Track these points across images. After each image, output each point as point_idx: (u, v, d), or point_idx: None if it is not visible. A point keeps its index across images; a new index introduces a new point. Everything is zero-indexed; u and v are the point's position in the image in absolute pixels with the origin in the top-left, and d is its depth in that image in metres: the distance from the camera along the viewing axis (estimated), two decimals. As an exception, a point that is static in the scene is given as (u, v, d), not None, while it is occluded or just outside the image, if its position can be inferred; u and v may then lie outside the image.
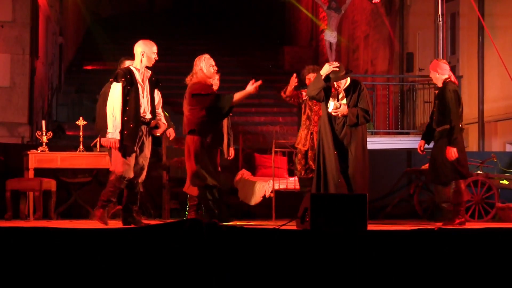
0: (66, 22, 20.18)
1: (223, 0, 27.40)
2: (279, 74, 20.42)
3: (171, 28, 24.10)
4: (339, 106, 8.70)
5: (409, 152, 12.18)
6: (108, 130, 8.04)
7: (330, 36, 16.60)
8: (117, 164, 8.09)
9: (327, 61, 16.72)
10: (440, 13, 11.25)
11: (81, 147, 10.14)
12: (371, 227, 7.41)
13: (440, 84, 8.99)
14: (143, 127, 8.15)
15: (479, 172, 10.71)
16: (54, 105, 18.11)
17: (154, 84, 8.30)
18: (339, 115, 8.72)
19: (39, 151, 10.07)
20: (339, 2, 16.73)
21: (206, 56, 9.06)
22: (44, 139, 10.18)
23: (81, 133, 10.20)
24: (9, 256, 5.40)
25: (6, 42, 14.67)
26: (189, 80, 9.00)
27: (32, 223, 9.22)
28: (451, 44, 14.91)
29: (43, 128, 10.31)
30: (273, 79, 18.90)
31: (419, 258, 5.69)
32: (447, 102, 8.83)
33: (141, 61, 8.18)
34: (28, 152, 10.04)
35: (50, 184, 10.07)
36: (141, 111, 8.11)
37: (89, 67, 20.43)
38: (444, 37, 12.16)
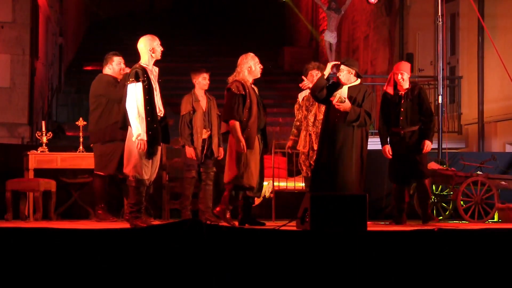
0: (66, 23, 20.18)
1: (223, 0, 27.40)
2: (279, 74, 20.42)
3: (171, 29, 24.10)
4: (343, 100, 8.68)
5: (409, 152, 12.18)
6: (137, 132, 7.72)
7: (330, 37, 16.60)
8: (136, 167, 7.85)
9: (327, 61, 16.77)
10: (440, 13, 11.23)
11: (81, 147, 10.14)
12: (371, 227, 7.41)
13: (407, 86, 9.34)
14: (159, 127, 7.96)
15: (479, 172, 10.71)
16: (54, 106, 18.11)
17: (158, 80, 8.13)
18: (341, 109, 8.68)
19: (39, 152, 10.07)
20: (339, 2, 16.74)
21: (252, 54, 8.90)
22: (44, 139, 10.18)
23: (81, 134, 10.20)
24: (9, 256, 5.40)
25: (6, 42, 14.67)
26: (233, 77, 8.87)
27: (32, 224, 9.22)
28: (451, 45, 14.91)
29: (43, 129, 10.31)
30: (273, 80, 18.90)
31: (419, 258, 5.70)
32: (425, 101, 9.33)
33: (151, 57, 7.96)
34: (28, 153, 10.04)
35: (50, 184, 10.07)
36: (157, 110, 7.92)
37: (89, 68, 20.42)
38: (444, 38, 12.12)
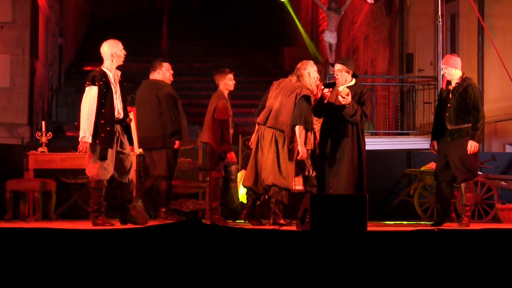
0: (66, 23, 20.18)
1: (223, 0, 27.40)
2: (278, 74, 20.39)
3: (171, 29, 24.10)
4: (347, 94, 8.60)
5: (409, 152, 12.19)
6: (82, 134, 8.04)
7: (330, 37, 16.61)
8: (93, 169, 8.12)
9: (327, 62, 16.77)
10: (440, 14, 11.24)
11: (81, 147, 10.13)
12: (371, 227, 7.41)
13: (457, 80, 8.83)
14: (118, 127, 8.20)
15: (479, 172, 10.71)
16: (54, 106, 18.12)
17: (122, 84, 8.34)
18: (342, 102, 8.62)
19: (39, 152, 10.07)
20: (339, 3, 16.74)
21: (312, 62, 9.10)
22: (44, 139, 10.18)
23: (81, 134, 10.19)
24: (9, 257, 5.40)
25: (6, 43, 14.68)
26: (296, 80, 9.00)
27: (32, 224, 9.21)
28: (451, 45, 14.91)
29: (43, 129, 10.31)
30: (273, 80, 18.86)
31: (419, 259, 5.69)
32: (472, 98, 8.72)
33: (112, 61, 8.21)
34: (28, 153, 10.04)
35: (50, 185, 10.06)
36: (116, 112, 8.16)
37: (89, 68, 20.39)
38: (444, 38, 12.15)
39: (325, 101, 8.75)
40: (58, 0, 18.59)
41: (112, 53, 8.20)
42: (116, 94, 8.18)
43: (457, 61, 8.90)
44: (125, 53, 8.28)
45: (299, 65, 9.10)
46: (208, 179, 9.51)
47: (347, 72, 8.78)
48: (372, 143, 13.50)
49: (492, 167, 11.02)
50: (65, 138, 16.17)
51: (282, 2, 20.56)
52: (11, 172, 10.47)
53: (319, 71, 9.22)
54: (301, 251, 5.62)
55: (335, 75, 8.86)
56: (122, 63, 8.27)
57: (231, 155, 9.36)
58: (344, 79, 8.78)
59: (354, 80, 8.84)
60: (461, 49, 14.58)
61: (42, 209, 9.87)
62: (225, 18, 26.44)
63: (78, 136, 9.97)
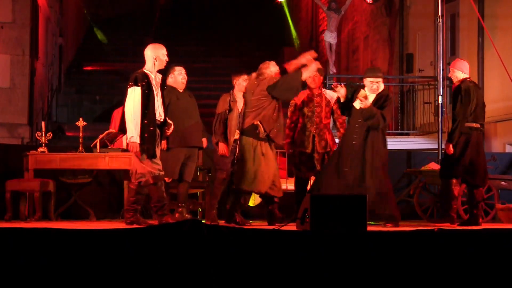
0: (66, 23, 20.18)
1: (223, 0, 27.40)
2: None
3: (171, 29, 24.10)
4: (365, 96, 8.73)
5: (409, 152, 12.20)
6: (130, 134, 8.06)
7: (330, 37, 16.60)
8: (138, 168, 8.13)
9: (327, 62, 16.76)
10: (440, 14, 11.22)
11: (81, 148, 10.13)
12: (371, 227, 7.40)
13: (457, 83, 9.08)
14: (157, 130, 8.24)
15: (479, 173, 10.71)
16: (54, 106, 18.12)
17: (163, 87, 8.43)
18: (360, 105, 8.74)
19: (39, 152, 10.06)
20: (339, 3, 16.74)
21: (274, 63, 9.28)
22: (44, 140, 10.17)
23: (81, 134, 10.18)
24: (9, 257, 5.40)
25: (6, 43, 14.68)
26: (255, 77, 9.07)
27: (32, 224, 9.21)
28: (451, 45, 14.91)
29: (43, 129, 10.30)
30: (273, 80, 18.87)
31: (419, 259, 5.69)
32: (458, 101, 8.97)
33: (154, 65, 8.24)
34: (28, 153, 10.03)
35: (50, 185, 10.06)
36: (157, 115, 8.19)
37: (89, 68, 20.43)
38: (444, 38, 12.11)
39: (342, 99, 8.96)
40: (58, 0, 18.59)
41: (155, 56, 8.24)
42: (157, 96, 8.21)
43: (465, 65, 9.12)
44: (167, 59, 8.34)
45: (261, 65, 9.16)
46: (207, 179, 9.57)
47: (378, 82, 8.94)
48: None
49: (492, 167, 11.02)
50: (65, 138, 16.17)
51: (281, 2, 20.57)
52: (11, 172, 10.47)
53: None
54: (301, 251, 5.62)
55: (372, 87, 8.91)
56: (163, 67, 8.32)
57: (222, 146, 9.39)
58: (377, 88, 8.91)
59: (382, 86, 8.99)
60: (461, 49, 14.58)
61: (42, 209, 9.87)
62: (225, 18, 26.44)
63: (78, 137, 10.02)
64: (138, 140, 8.01)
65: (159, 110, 8.23)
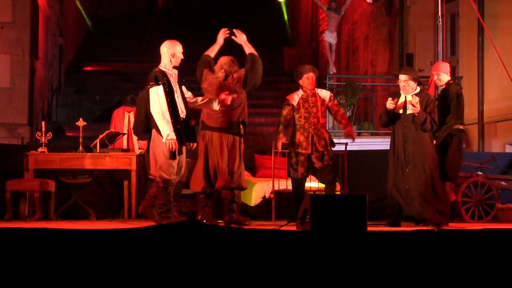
0: (66, 23, 20.17)
1: (223, 0, 27.40)
2: (278, 75, 20.42)
3: (171, 29, 24.09)
4: (417, 102, 8.73)
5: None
6: (166, 133, 7.97)
7: (330, 37, 16.60)
8: (163, 168, 8.07)
9: (327, 62, 16.76)
10: (440, 14, 11.23)
11: (81, 148, 10.14)
12: (371, 227, 7.41)
13: (443, 86, 9.32)
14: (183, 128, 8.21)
15: (479, 173, 10.71)
16: (54, 106, 18.10)
17: (181, 83, 8.38)
18: (412, 111, 8.75)
19: (39, 152, 10.07)
20: (339, 3, 16.74)
21: (232, 58, 9.23)
22: (44, 140, 10.18)
23: (81, 134, 10.19)
24: (9, 257, 5.40)
25: (6, 43, 14.66)
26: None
27: (32, 224, 9.22)
28: (451, 45, 14.90)
29: (43, 129, 10.31)
30: (273, 80, 18.90)
31: (419, 259, 5.69)
32: (451, 103, 9.18)
33: (171, 61, 8.22)
34: (28, 153, 10.04)
35: (50, 185, 10.07)
36: (180, 111, 8.16)
37: (89, 68, 20.41)
38: (444, 38, 12.12)
39: (391, 112, 8.87)
40: (58, 0, 18.58)
41: (172, 53, 8.23)
42: (177, 93, 8.18)
43: (448, 67, 9.46)
44: (182, 57, 8.33)
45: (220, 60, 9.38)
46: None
47: (413, 80, 8.89)
48: (373, 143, 13.50)
49: (492, 167, 11.02)
50: (65, 138, 16.16)
51: (280, 2, 20.56)
52: (11, 172, 10.48)
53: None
54: (301, 251, 5.62)
55: (401, 85, 8.92)
56: (178, 64, 8.28)
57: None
58: (411, 88, 8.89)
59: (419, 88, 8.98)
60: (461, 49, 14.58)
61: (42, 209, 9.87)
62: (225, 18, 26.42)
63: (78, 137, 10.02)
64: (174, 136, 7.96)
65: (181, 106, 8.18)
